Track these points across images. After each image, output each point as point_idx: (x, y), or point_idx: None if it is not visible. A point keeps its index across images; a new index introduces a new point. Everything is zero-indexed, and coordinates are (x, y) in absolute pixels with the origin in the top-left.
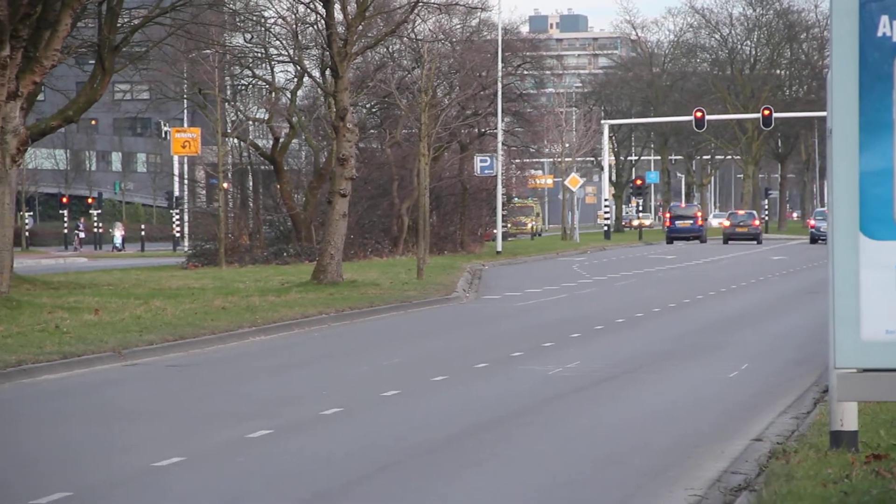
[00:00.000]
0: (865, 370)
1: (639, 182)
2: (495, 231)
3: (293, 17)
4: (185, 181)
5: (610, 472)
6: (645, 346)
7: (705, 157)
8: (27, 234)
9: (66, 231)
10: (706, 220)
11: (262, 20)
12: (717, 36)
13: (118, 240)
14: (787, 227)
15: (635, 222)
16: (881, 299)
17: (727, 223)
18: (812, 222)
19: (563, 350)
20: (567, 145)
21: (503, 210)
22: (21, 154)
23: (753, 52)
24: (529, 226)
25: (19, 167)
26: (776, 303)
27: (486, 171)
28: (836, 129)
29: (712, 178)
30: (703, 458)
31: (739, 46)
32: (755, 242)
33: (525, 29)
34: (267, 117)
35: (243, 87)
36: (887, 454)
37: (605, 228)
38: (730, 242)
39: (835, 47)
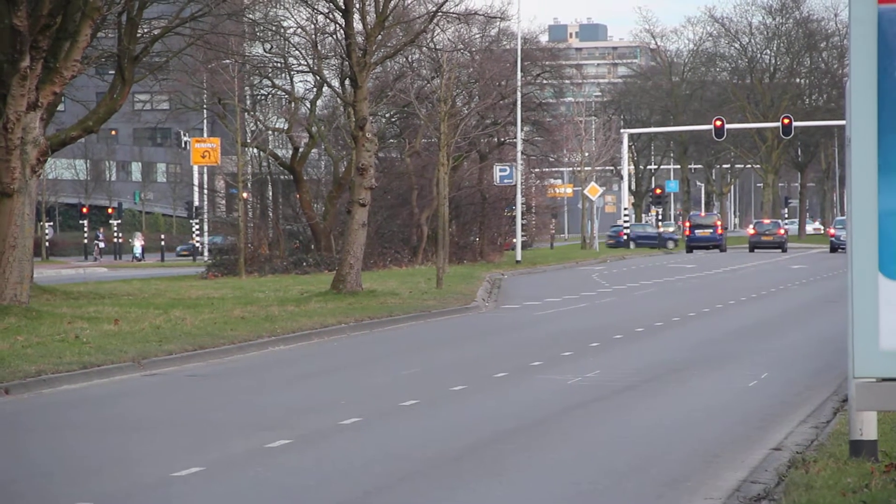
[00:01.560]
0: (885, 379)
1: (658, 191)
2: (514, 240)
3: (312, 27)
4: (205, 191)
5: (630, 482)
6: (664, 356)
7: (725, 165)
8: (47, 244)
9: (85, 241)
10: (726, 228)
11: (282, 30)
12: (736, 45)
13: (138, 250)
14: (806, 235)
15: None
16: None
17: (753, 231)
18: (832, 231)
19: (583, 359)
20: (586, 154)
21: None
22: (41, 164)
23: (773, 61)
24: None
25: (39, 177)
26: (796, 312)
27: (505, 181)
28: (854, 138)
29: (732, 186)
30: (722, 467)
31: (759, 55)
32: (780, 251)
33: (544, 38)
34: (286, 127)
35: (263, 97)
36: None
37: (625, 237)
38: (755, 251)
39: (853, 55)
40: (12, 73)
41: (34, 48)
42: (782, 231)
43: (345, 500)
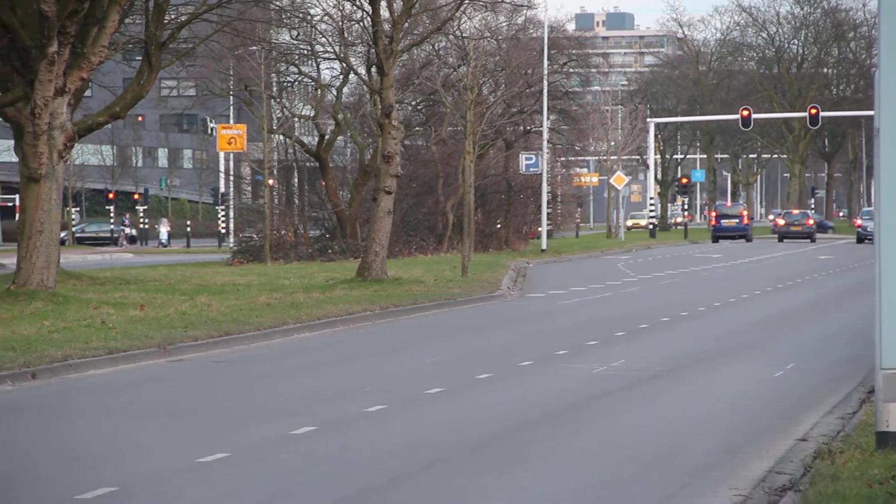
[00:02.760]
0: None
1: (684, 181)
2: (540, 229)
3: (339, 14)
4: (231, 177)
5: (655, 471)
6: (690, 345)
7: (751, 155)
8: (73, 229)
9: (111, 226)
10: (752, 218)
11: (309, 17)
12: (764, 34)
13: (164, 236)
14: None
15: (679, 219)
16: None
17: (782, 222)
18: (859, 222)
19: (608, 348)
20: (612, 143)
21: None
22: (68, 150)
23: (800, 51)
24: None
25: (66, 163)
26: (822, 302)
27: (531, 169)
28: (883, 128)
29: (758, 177)
30: (747, 457)
31: (786, 45)
32: (809, 241)
33: (571, 27)
34: (313, 114)
35: (289, 84)
36: None
37: (651, 227)
38: (784, 241)
39: (883, 46)
40: (40, 58)
41: (62, 34)
42: (811, 221)
43: (369, 487)
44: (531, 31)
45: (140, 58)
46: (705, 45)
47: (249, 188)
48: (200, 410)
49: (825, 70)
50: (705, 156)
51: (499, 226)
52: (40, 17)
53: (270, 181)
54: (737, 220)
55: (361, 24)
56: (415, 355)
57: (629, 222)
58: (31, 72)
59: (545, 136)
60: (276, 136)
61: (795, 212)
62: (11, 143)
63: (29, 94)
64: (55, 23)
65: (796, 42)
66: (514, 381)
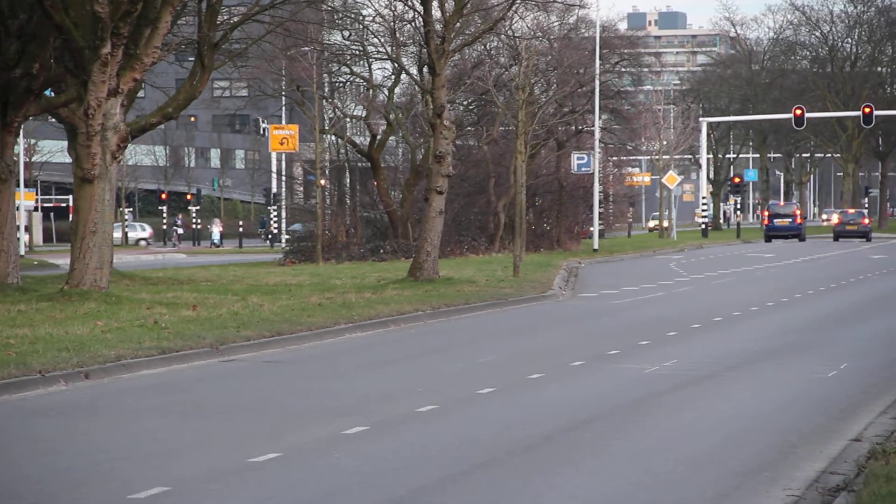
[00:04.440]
0: None
1: (737, 180)
2: (592, 228)
3: (391, 14)
4: (283, 178)
5: (707, 471)
6: (742, 345)
7: (804, 155)
8: (126, 230)
9: (164, 227)
10: (805, 218)
11: (361, 18)
12: (817, 33)
13: (216, 236)
14: (887, 225)
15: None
16: None
17: (837, 221)
18: None
19: (660, 348)
20: (665, 143)
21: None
22: (121, 150)
23: (854, 50)
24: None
25: (119, 164)
26: (875, 302)
27: (582, 169)
28: None
29: (811, 176)
30: (800, 457)
31: (840, 44)
32: (864, 240)
33: (623, 26)
34: (364, 114)
35: (341, 85)
36: None
37: (703, 226)
38: (840, 240)
39: None
40: (93, 59)
41: (115, 35)
42: (867, 220)
43: (420, 487)
44: (583, 30)
45: (193, 58)
46: (758, 44)
47: (301, 188)
48: (252, 410)
49: (879, 69)
50: (758, 155)
51: (550, 226)
52: (93, 19)
53: (322, 181)
54: (790, 220)
55: (413, 24)
56: (466, 355)
57: (649, 223)
58: (84, 73)
59: (597, 135)
60: (328, 136)
61: (851, 211)
62: (65, 143)
63: (82, 96)
64: (108, 24)
65: (850, 40)
66: (565, 382)
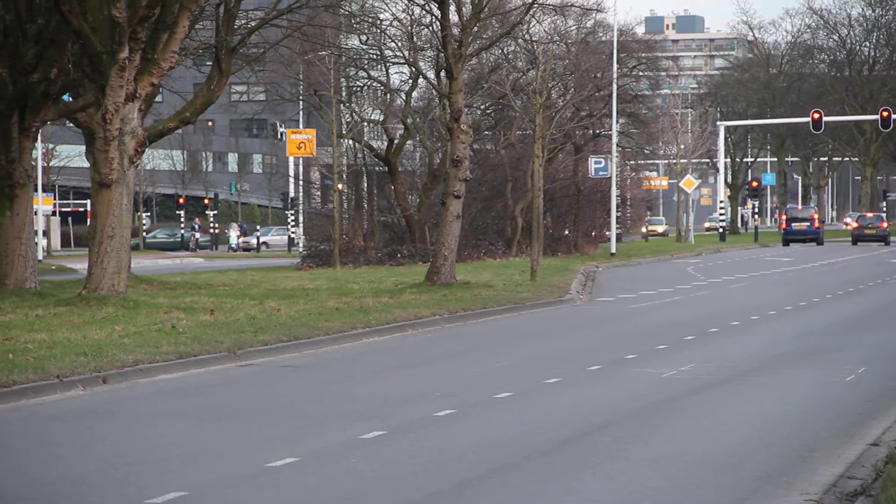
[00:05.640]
0: None
1: (754, 184)
2: (609, 233)
3: (408, 18)
4: (301, 182)
5: (725, 476)
6: (760, 349)
7: (822, 158)
8: (144, 234)
9: (182, 231)
10: (823, 222)
11: (378, 22)
12: (835, 37)
13: (233, 240)
14: None
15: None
16: None
17: (856, 225)
18: None
19: (677, 353)
20: (682, 147)
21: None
22: (139, 155)
23: (872, 54)
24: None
25: (137, 168)
26: (893, 306)
27: (600, 173)
28: None
29: (829, 180)
30: (818, 462)
31: (858, 47)
32: (883, 244)
33: (640, 30)
34: (382, 119)
35: (358, 89)
36: None
37: (720, 230)
38: (858, 244)
39: None
40: (111, 64)
41: (133, 39)
42: (885, 224)
43: (438, 491)
44: (600, 34)
45: (210, 63)
46: (776, 47)
47: (319, 193)
48: (270, 415)
49: None
50: (776, 159)
51: (568, 230)
52: (111, 24)
53: (340, 186)
54: (808, 224)
55: (430, 28)
56: (483, 359)
57: (643, 229)
58: (101, 77)
59: (614, 139)
60: (346, 140)
61: (869, 215)
62: (83, 148)
63: (100, 100)
64: (126, 29)
65: (868, 44)
66: (583, 386)
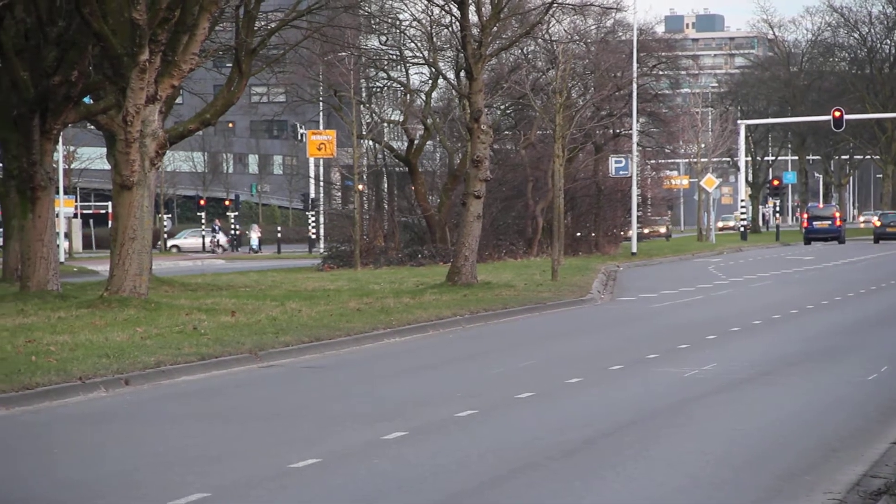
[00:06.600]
0: None
1: (776, 182)
2: (630, 232)
3: (428, 19)
4: (321, 183)
5: (747, 475)
6: (782, 348)
7: (843, 157)
8: (165, 236)
9: (203, 233)
10: (844, 220)
11: (398, 23)
12: (855, 35)
13: (255, 241)
14: None
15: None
16: None
17: (878, 223)
18: None
19: (699, 352)
20: (703, 146)
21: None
22: (159, 157)
23: (893, 51)
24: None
25: (158, 170)
26: None
27: (621, 172)
28: None
29: (851, 178)
30: (841, 461)
31: (879, 45)
32: None
33: (660, 29)
34: (402, 119)
35: (378, 90)
36: None
37: (742, 229)
38: (880, 242)
39: None
40: (132, 66)
41: (153, 42)
42: None
43: (460, 492)
44: (620, 33)
45: (230, 65)
46: (796, 46)
47: (339, 193)
48: (291, 416)
49: None
50: (797, 157)
51: (589, 229)
52: (131, 26)
53: (360, 186)
54: (829, 222)
55: (450, 28)
56: (505, 360)
57: (646, 230)
58: (122, 80)
59: (635, 138)
60: (366, 141)
61: (891, 213)
62: (104, 150)
63: (121, 102)
64: (146, 31)
65: (889, 42)
66: (604, 386)
